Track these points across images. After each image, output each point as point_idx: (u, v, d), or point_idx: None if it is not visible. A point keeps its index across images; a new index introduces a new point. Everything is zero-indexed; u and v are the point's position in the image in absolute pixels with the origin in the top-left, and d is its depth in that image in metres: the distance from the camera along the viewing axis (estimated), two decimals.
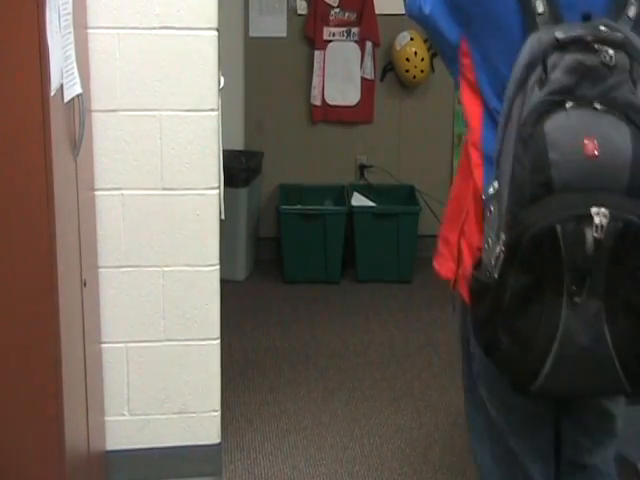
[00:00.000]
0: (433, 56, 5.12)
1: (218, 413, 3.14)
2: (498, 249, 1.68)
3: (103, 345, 3.00)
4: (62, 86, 2.28)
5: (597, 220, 1.59)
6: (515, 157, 1.63)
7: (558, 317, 1.66)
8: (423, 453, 3.38)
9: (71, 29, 2.37)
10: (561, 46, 1.65)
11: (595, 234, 1.59)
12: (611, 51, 1.64)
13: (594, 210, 1.59)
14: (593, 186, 1.61)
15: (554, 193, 1.61)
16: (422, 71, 5.07)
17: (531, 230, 1.62)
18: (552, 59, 1.65)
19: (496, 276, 1.69)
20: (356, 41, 5.09)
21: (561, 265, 1.62)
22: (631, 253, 1.63)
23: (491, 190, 1.74)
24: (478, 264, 1.81)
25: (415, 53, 5.02)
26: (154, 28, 2.83)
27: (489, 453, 2.05)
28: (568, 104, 1.63)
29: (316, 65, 5.09)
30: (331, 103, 5.16)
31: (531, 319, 1.68)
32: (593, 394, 1.89)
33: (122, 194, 2.92)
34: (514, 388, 1.80)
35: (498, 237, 1.69)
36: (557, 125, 1.62)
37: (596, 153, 1.59)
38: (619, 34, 1.67)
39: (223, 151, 3.05)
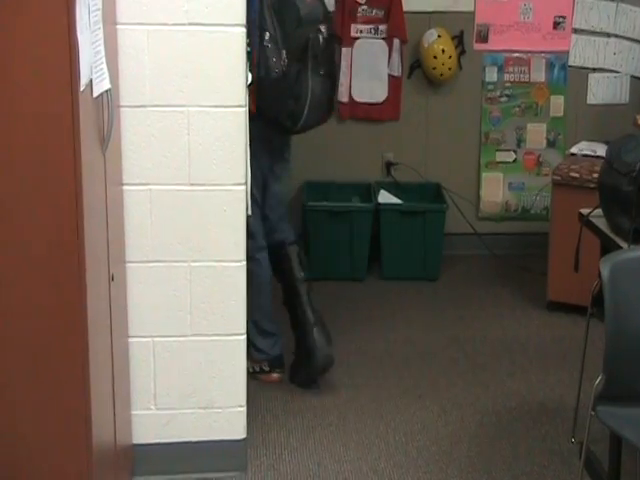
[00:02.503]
0: (460, 54, 5.10)
1: (244, 408, 3.14)
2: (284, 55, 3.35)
3: (130, 339, 3.01)
4: (91, 81, 2.29)
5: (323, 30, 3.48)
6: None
7: (308, 82, 3.43)
8: (449, 451, 3.37)
9: (100, 25, 2.37)
10: None
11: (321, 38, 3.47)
12: None
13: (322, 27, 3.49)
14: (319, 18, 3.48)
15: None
16: (449, 69, 5.04)
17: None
18: None
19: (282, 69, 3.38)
20: (383, 38, 5.07)
21: (314, 57, 3.44)
22: (329, 48, 3.54)
23: None
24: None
25: (442, 50, 4.99)
26: (182, 24, 2.83)
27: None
28: None
29: (343, 62, 5.08)
30: (358, 100, 5.15)
31: (300, 86, 3.43)
32: (318, 125, 3.65)
33: (150, 189, 2.93)
34: (285, 130, 3.58)
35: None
36: None
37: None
38: None
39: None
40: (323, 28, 3.49)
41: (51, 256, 2.20)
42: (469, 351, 4.17)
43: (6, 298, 2.22)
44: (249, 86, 2.98)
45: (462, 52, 5.11)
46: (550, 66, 5.17)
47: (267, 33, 3.28)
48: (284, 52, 3.32)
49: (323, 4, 3.55)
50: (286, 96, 3.41)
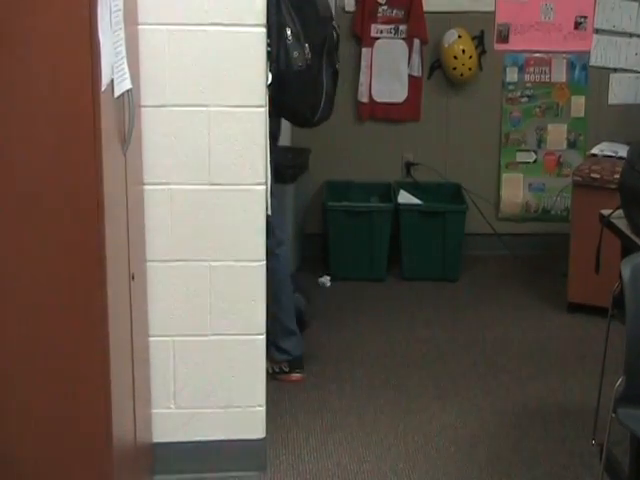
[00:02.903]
0: (481, 54, 5.08)
1: (263, 408, 3.14)
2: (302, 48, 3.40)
3: (150, 338, 3.01)
4: (112, 81, 2.30)
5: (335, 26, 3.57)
6: None
7: (324, 76, 3.53)
8: (468, 452, 3.36)
9: (122, 25, 2.38)
10: None
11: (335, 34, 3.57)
12: None
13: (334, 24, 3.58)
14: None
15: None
16: (470, 69, 5.03)
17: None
18: None
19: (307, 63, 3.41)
20: (404, 38, 5.06)
21: (329, 53, 3.55)
22: (338, 44, 3.65)
23: None
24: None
25: (463, 51, 4.98)
26: (203, 24, 2.84)
27: None
28: None
29: (363, 62, 5.08)
30: (378, 100, 5.15)
31: (319, 79, 3.50)
32: (327, 119, 3.68)
33: (170, 189, 2.93)
34: (303, 122, 3.69)
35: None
36: None
37: None
38: None
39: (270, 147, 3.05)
40: (335, 25, 3.56)
41: (72, 256, 2.21)
42: (489, 353, 4.15)
43: (28, 298, 2.23)
44: (269, 86, 2.98)
45: (482, 52, 5.09)
46: (571, 66, 5.15)
47: (288, 29, 3.30)
48: (307, 46, 3.35)
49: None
50: (310, 88, 3.45)
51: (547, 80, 5.16)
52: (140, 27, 2.79)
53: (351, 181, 5.19)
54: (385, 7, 5.04)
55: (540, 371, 3.98)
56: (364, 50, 5.07)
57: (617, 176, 3.56)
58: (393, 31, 5.06)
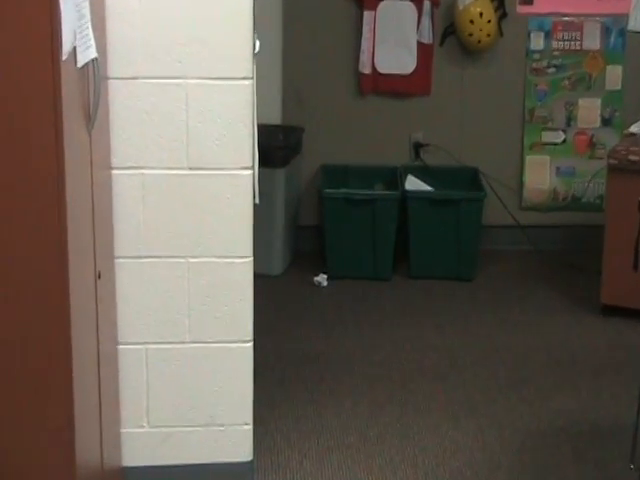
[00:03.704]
0: (501, 17, 5.08)
1: (250, 427, 3.14)
2: None
3: (120, 346, 3.01)
4: (75, 49, 2.29)
5: None
6: None
7: None
8: (486, 477, 3.36)
9: None
10: None
11: None
12: None
13: None
14: None
15: None
16: (488, 35, 5.03)
17: None
18: None
19: None
20: (412, 0, 5.06)
21: None
22: None
23: None
24: None
25: (480, 14, 4.98)
26: None
27: None
28: None
29: (365, 27, 5.07)
30: (382, 71, 5.15)
31: None
32: None
33: (142, 174, 2.93)
34: None
35: None
36: None
37: None
38: None
39: (258, 126, 3.05)
40: None
41: (29, 251, 2.21)
42: (510, 362, 4.16)
43: None
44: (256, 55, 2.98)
45: (503, 15, 5.09)
46: (606, 32, 5.15)
47: None
48: None
49: None
50: None
51: (578, 48, 5.17)
52: None
53: (351, 165, 5.19)
54: None
55: (569, 383, 3.99)
56: (366, 13, 5.07)
57: None
58: None
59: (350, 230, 4.91)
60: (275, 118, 5.12)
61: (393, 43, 5.11)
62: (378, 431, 3.63)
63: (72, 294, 2.26)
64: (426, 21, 5.08)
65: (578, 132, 5.26)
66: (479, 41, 5.05)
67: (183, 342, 3.05)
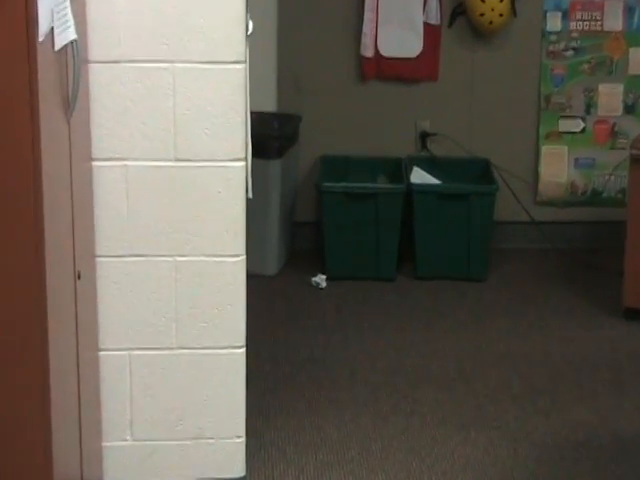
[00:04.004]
0: None
1: (242, 440, 3.14)
2: None
3: (101, 353, 3.01)
4: (52, 30, 2.29)
5: None
6: None
7: None
8: None
9: None
10: None
11: None
12: None
13: None
14: None
15: None
16: (501, 15, 5.03)
17: None
18: None
19: None
20: None
21: None
22: None
23: None
24: None
25: None
26: None
27: None
28: None
29: (368, 7, 5.07)
30: (386, 55, 5.14)
31: None
32: None
33: (126, 165, 2.93)
34: None
35: None
36: None
37: None
38: None
39: (251, 114, 3.05)
40: None
41: (3, 250, 2.20)
42: (524, 370, 4.16)
43: None
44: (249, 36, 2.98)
45: None
46: (628, 11, 5.15)
47: None
48: None
49: None
50: None
51: (598, 28, 5.17)
52: None
53: (352, 156, 5.19)
54: None
55: (589, 393, 3.99)
56: None
57: None
58: None
59: (351, 227, 4.91)
60: (270, 105, 5.12)
61: (397, 24, 5.11)
62: (381, 444, 3.63)
63: (49, 296, 2.26)
64: (433, 0, 5.08)
65: (598, 120, 5.26)
66: (491, 22, 5.05)
67: (170, 348, 3.05)
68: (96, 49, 2.83)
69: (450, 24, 5.15)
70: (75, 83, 2.50)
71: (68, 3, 2.41)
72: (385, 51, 5.14)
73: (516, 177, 5.23)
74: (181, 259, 3.00)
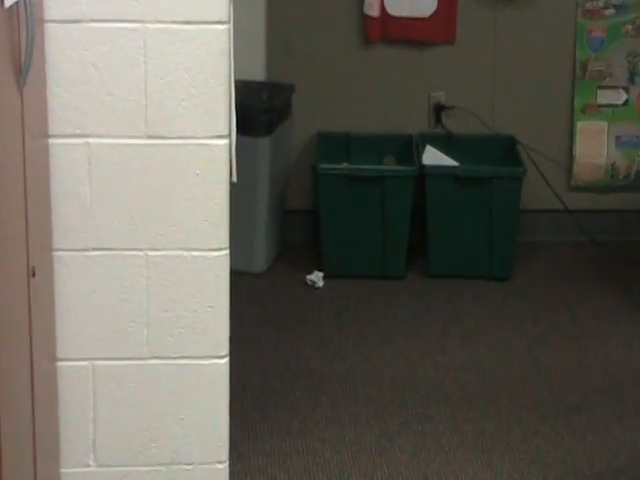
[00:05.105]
0: None
1: (225, 465, 3.14)
2: None
3: (59, 363, 3.01)
4: None
5: None
6: None
7: None
8: None
9: None
10: None
11: None
12: None
13: None
14: None
15: None
16: None
17: None
18: None
19: None
20: None
21: None
22: None
23: None
24: None
25: None
26: None
27: None
28: None
29: None
30: (394, 14, 5.15)
31: None
32: None
33: (88, 143, 2.92)
34: None
35: None
36: None
37: None
38: None
39: (236, 83, 3.05)
40: None
41: None
42: (556, 384, 4.16)
43: None
44: None
45: None
46: None
47: None
48: None
49: None
50: None
51: None
52: None
53: (354, 133, 5.20)
54: None
55: (632, 411, 4.00)
56: None
57: None
58: None
59: (352, 216, 4.92)
60: (258, 73, 5.12)
61: None
62: (388, 472, 3.63)
63: None
64: None
65: None
66: None
67: (140, 358, 3.04)
68: (53, 6, 2.82)
69: None
70: (28, 46, 2.50)
71: None
72: (393, 9, 5.15)
73: (547, 158, 5.23)
74: (153, 253, 2.99)
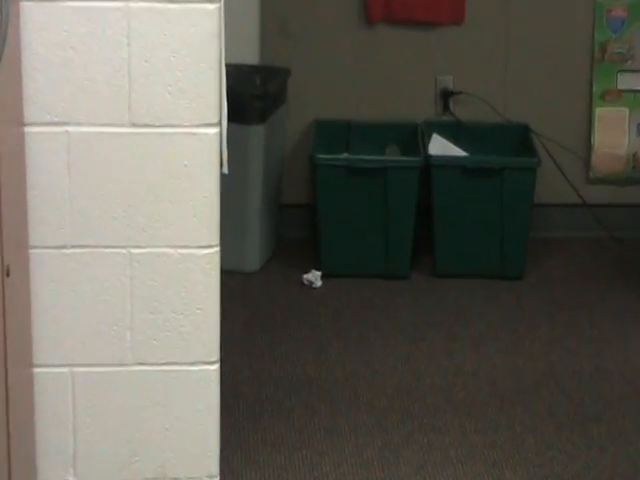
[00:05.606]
0: None
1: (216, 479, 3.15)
2: None
3: (36, 370, 3.01)
4: None
5: None
6: None
7: None
8: None
9: None
10: None
11: None
12: None
13: None
14: None
15: None
16: None
17: None
18: None
19: None
20: None
21: None
22: None
23: None
24: None
25: None
26: None
27: None
28: None
29: None
30: None
31: None
32: None
33: (67, 132, 2.92)
34: None
35: None
36: None
37: None
38: None
39: (227, 66, 3.04)
40: None
41: None
42: (573, 391, 4.17)
43: None
44: None
45: None
46: None
47: None
48: None
49: None
50: None
51: None
52: None
53: (354, 121, 5.20)
54: None
55: None
56: None
57: None
58: None
59: (353, 211, 4.92)
60: (251, 56, 5.11)
61: None
62: None
63: None
64: None
65: None
66: None
67: (123, 364, 3.04)
68: None
69: None
70: (2, 27, 2.49)
71: None
72: None
73: (563, 148, 5.23)
74: (137, 251, 2.99)
